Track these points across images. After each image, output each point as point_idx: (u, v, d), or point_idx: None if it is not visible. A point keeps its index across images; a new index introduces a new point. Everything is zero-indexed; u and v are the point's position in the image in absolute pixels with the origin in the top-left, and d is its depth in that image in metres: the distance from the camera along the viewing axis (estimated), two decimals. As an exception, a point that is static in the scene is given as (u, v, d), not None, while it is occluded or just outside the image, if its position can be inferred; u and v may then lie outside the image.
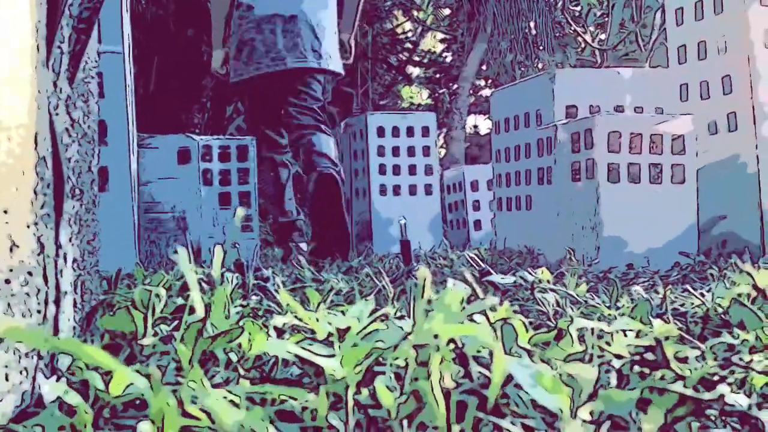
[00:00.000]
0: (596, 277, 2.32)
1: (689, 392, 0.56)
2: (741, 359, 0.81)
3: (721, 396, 0.59)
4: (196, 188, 3.48)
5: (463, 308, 0.61)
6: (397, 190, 4.39)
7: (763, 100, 2.84)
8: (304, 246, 3.78)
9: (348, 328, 0.79)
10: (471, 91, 11.20)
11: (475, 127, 15.47)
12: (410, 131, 4.44)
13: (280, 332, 1.05)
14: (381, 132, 4.39)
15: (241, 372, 0.90)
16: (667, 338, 0.77)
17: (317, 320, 0.85)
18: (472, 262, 1.87)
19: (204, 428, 0.57)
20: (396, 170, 4.40)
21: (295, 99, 3.64)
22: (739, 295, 1.02)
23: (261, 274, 1.95)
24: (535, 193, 3.19)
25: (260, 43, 3.58)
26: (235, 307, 1.36)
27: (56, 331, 0.88)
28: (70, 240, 0.96)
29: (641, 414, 0.60)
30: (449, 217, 5.39)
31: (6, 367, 0.74)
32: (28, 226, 0.80)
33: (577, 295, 1.52)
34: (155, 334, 1.04)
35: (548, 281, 1.58)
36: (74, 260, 0.99)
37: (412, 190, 4.41)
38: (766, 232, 2.81)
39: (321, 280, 2.21)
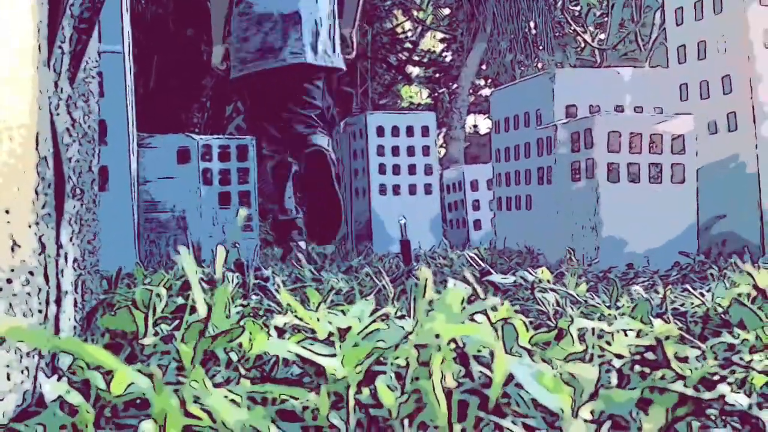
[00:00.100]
0: (596, 276, 2.32)
1: (690, 392, 0.56)
2: (741, 359, 0.81)
3: (722, 396, 0.59)
4: (195, 188, 3.48)
5: (464, 308, 0.61)
6: (396, 189, 4.39)
7: (763, 100, 2.84)
8: (302, 244, 3.78)
9: (349, 328, 0.79)
10: (471, 91, 11.20)
11: (475, 126, 15.47)
12: (410, 131, 4.45)
13: (280, 332, 1.05)
14: (380, 131, 4.39)
15: (242, 371, 0.90)
16: (667, 338, 0.78)
17: (318, 320, 0.85)
18: (472, 261, 1.87)
19: (206, 428, 0.57)
20: (396, 170, 4.40)
21: (293, 105, 3.65)
22: (739, 295, 1.02)
23: (261, 274, 1.95)
24: (535, 193, 3.19)
25: (260, 40, 3.59)
26: (236, 306, 1.36)
27: (57, 330, 0.88)
28: (70, 239, 0.96)
29: (642, 414, 0.60)
30: (449, 216, 5.39)
31: (7, 366, 0.74)
32: (30, 226, 0.80)
33: (577, 294, 1.52)
34: (156, 334, 1.04)
35: (548, 281, 1.58)
36: (75, 260, 0.99)
37: (412, 189, 4.41)
38: (766, 232, 2.81)
39: (321, 280, 2.21)
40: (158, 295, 1.07)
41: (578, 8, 9.88)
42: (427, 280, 0.59)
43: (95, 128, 1.19)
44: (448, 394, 0.54)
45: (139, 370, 0.55)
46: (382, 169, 4.36)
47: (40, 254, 0.82)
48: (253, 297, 1.74)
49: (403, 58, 12.98)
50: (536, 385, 0.54)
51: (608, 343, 0.79)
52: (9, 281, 0.75)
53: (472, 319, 0.77)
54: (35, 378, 0.80)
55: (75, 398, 0.68)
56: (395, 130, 4.41)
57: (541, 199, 3.14)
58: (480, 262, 1.89)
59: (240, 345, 0.91)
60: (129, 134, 2.64)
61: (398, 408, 0.63)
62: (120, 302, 1.16)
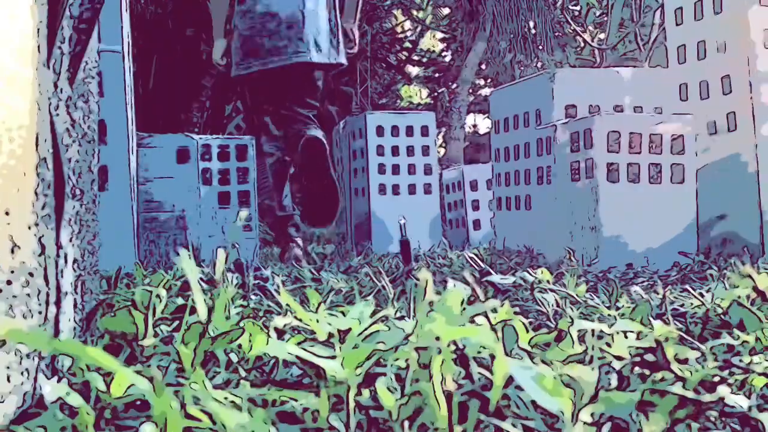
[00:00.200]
0: (596, 277, 2.32)
1: (690, 394, 0.56)
2: (741, 360, 0.81)
3: (721, 398, 0.59)
4: (195, 187, 3.48)
5: (464, 309, 0.61)
6: (396, 189, 4.39)
7: (763, 100, 2.84)
8: (300, 241, 3.80)
9: (348, 330, 0.79)
10: (470, 91, 11.20)
11: (475, 126, 15.47)
12: (409, 130, 4.44)
13: (280, 333, 1.05)
14: (380, 131, 4.39)
15: (242, 373, 0.90)
16: (667, 340, 0.78)
17: (318, 321, 0.85)
18: (471, 262, 1.87)
19: (206, 429, 0.57)
20: (395, 170, 4.40)
21: (293, 103, 3.68)
22: (739, 296, 1.02)
23: (261, 274, 1.95)
24: (535, 193, 3.19)
25: (262, 37, 3.60)
26: (236, 307, 1.36)
27: (57, 331, 0.88)
28: (70, 240, 0.96)
29: (642, 416, 0.60)
30: (448, 216, 5.40)
31: (7, 368, 0.74)
32: (29, 227, 0.80)
33: (577, 295, 1.52)
34: (156, 335, 1.04)
35: (548, 281, 1.58)
36: (74, 260, 0.99)
37: (412, 189, 4.41)
38: (766, 232, 2.81)
39: (320, 280, 2.21)
40: (158, 296, 1.07)
41: (578, 8, 9.88)
42: (427, 282, 0.59)
43: (95, 128, 1.19)
44: (449, 396, 0.54)
45: (139, 372, 0.55)
46: (381, 169, 4.36)
47: (39, 255, 0.82)
48: (253, 297, 1.74)
49: (403, 57, 12.98)
50: (536, 388, 0.54)
51: (608, 345, 0.79)
52: (9, 282, 0.75)
53: (472, 321, 0.77)
54: (35, 379, 0.80)
55: (75, 400, 0.68)
56: (395, 130, 4.41)
57: (540, 199, 3.14)
58: (479, 262, 1.89)
59: (240, 346, 0.91)
60: (128, 134, 2.64)
61: (398, 410, 0.63)
62: (119, 303, 1.16)
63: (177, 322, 1.15)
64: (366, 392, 0.70)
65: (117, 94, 2.60)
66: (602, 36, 9.27)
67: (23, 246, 0.78)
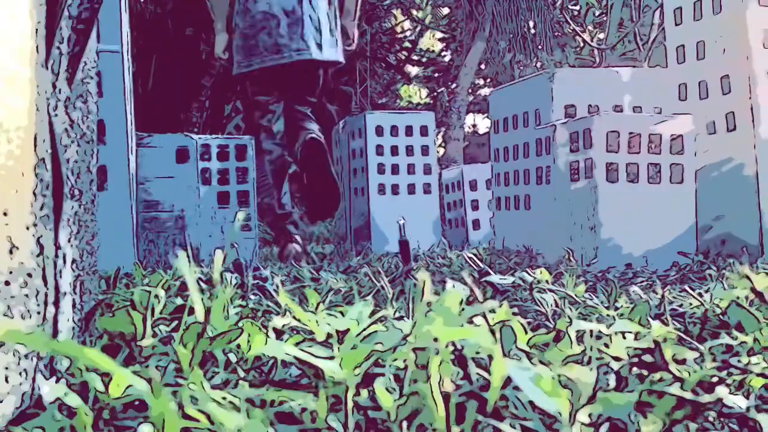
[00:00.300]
0: (595, 277, 2.32)
1: (688, 395, 0.57)
2: (739, 361, 0.81)
3: (720, 398, 0.59)
4: (194, 187, 3.48)
5: (463, 309, 0.61)
6: (395, 189, 4.39)
7: (762, 100, 2.84)
8: (299, 239, 3.81)
9: (347, 330, 0.79)
10: (470, 90, 11.20)
11: (474, 126, 15.47)
12: (409, 130, 4.45)
13: (279, 333, 1.05)
14: (380, 131, 4.39)
15: (241, 373, 0.90)
16: (665, 340, 0.78)
17: (316, 322, 0.85)
18: (470, 262, 1.87)
19: (204, 430, 0.57)
20: (394, 169, 4.40)
21: (293, 100, 3.73)
22: (737, 297, 1.02)
23: (260, 274, 1.95)
24: (534, 193, 3.19)
25: (263, 35, 3.64)
26: (235, 307, 1.36)
27: (55, 332, 0.88)
28: (69, 241, 0.96)
29: (640, 417, 0.60)
30: (448, 216, 5.40)
31: (6, 368, 0.74)
32: (28, 228, 0.80)
33: (576, 295, 1.52)
34: (154, 335, 1.04)
35: (547, 281, 1.59)
36: (73, 261, 0.99)
37: (411, 189, 4.41)
38: (765, 232, 2.81)
39: (320, 280, 2.21)
40: (156, 296, 1.07)
41: (577, 8, 9.89)
42: (425, 283, 0.59)
43: (94, 129, 1.19)
44: (446, 397, 0.54)
45: (138, 373, 0.55)
46: (381, 169, 4.36)
47: (38, 256, 0.82)
48: (252, 297, 1.74)
49: (402, 57, 12.98)
50: (534, 389, 0.54)
51: (606, 346, 0.79)
52: (7, 283, 0.75)
53: (471, 322, 0.77)
54: (34, 380, 0.80)
55: (73, 400, 0.68)
56: (394, 130, 4.41)
57: (540, 199, 3.14)
58: (479, 262, 1.89)
59: (238, 346, 0.91)
60: (128, 134, 2.64)
61: (396, 410, 0.63)
62: (118, 303, 1.16)
63: (176, 323, 1.15)
64: (364, 392, 0.70)
65: (116, 93, 2.60)
66: (601, 36, 9.27)
67: (21, 247, 0.78)
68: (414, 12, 12.82)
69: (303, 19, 3.66)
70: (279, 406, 0.72)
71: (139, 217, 3.28)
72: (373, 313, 0.90)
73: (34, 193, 0.82)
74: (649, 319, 1.11)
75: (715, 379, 0.72)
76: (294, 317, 0.89)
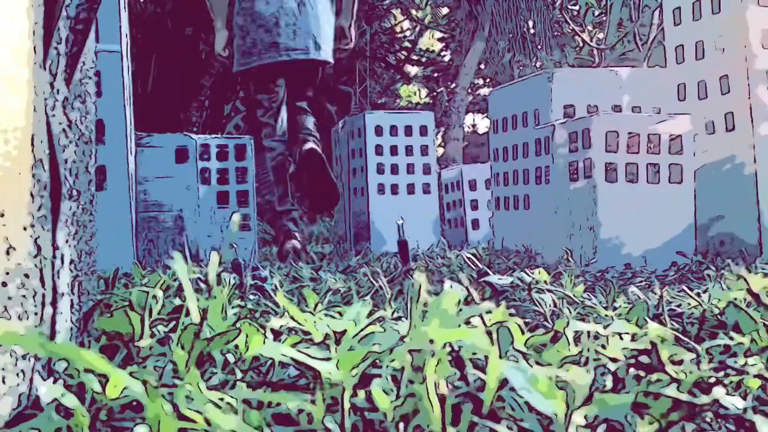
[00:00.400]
0: (594, 277, 2.32)
1: (684, 397, 0.57)
2: (736, 362, 0.81)
3: (715, 400, 0.59)
4: (193, 187, 3.48)
5: (460, 310, 0.61)
6: (395, 189, 4.39)
7: (761, 100, 2.84)
8: (299, 236, 3.83)
9: (344, 331, 0.79)
10: (469, 90, 11.20)
11: (474, 125, 15.48)
12: (408, 130, 4.45)
13: (277, 334, 1.05)
14: (379, 131, 4.39)
15: (238, 374, 0.90)
16: (662, 341, 0.78)
17: (314, 323, 0.85)
18: (469, 262, 1.87)
19: (200, 431, 0.57)
20: (394, 169, 4.40)
21: (292, 97, 3.79)
22: (735, 298, 1.02)
23: (259, 274, 1.95)
24: (533, 193, 3.19)
25: (262, 33, 3.68)
26: (233, 308, 1.36)
27: (53, 332, 0.88)
28: (67, 241, 0.96)
29: (637, 418, 0.60)
30: (447, 216, 5.40)
31: (3, 369, 0.74)
32: (25, 229, 0.80)
33: (574, 295, 1.52)
34: (152, 336, 1.04)
35: (545, 282, 1.59)
36: (71, 261, 0.99)
37: (410, 189, 4.41)
38: (763, 232, 2.81)
39: (319, 280, 2.21)
40: (154, 297, 1.07)
41: (577, 8, 9.89)
42: (421, 285, 0.59)
43: (92, 129, 1.18)
44: (442, 398, 0.54)
45: (135, 374, 0.55)
46: (380, 169, 4.36)
47: (35, 257, 0.82)
48: (251, 297, 1.74)
49: (402, 57, 12.97)
50: (530, 390, 0.54)
51: (603, 346, 0.79)
52: (4, 284, 0.75)
53: (468, 323, 0.77)
54: (31, 381, 0.80)
55: (71, 401, 0.68)
56: (394, 130, 4.41)
57: (539, 199, 3.14)
58: (477, 262, 1.90)
59: (236, 347, 0.91)
60: (127, 134, 2.64)
61: (393, 411, 0.63)
62: (117, 303, 1.16)
63: (174, 323, 1.15)
64: (361, 393, 0.70)
65: (115, 93, 2.60)
66: (601, 36, 9.27)
67: (19, 248, 0.78)
68: (413, 12, 12.82)
69: (302, 18, 3.71)
70: (276, 406, 0.72)
71: (139, 217, 3.28)
72: (371, 314, 0.90)
73: (32, 194, 0.82)
74: (647, 320, 1.11)
75: (712, 380, 0.72)
76: (292, 318, 0.89)
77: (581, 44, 9.45)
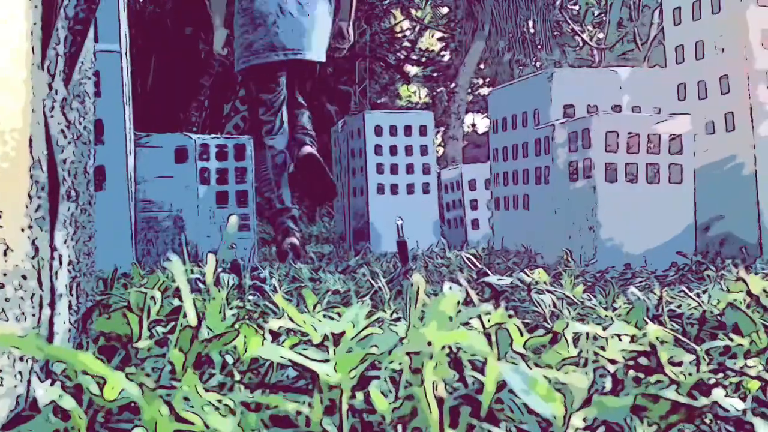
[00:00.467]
0: (593, 277, 2.32)
1: (683, 399, 0.56)
2: (735, 363, 0.81)
3: (715, 402, 0.59)
4: (193, 187, 3.48)
5: (459, 311, 0.61)
6: (394, 189, 4.38)
7: (761, 100, 2.84)
8: (298, 234, 3.84)
9: (343, 333, 0.79)
10: (469, 90, 11.20)
11: (473, 125, 15.48)
12: (408, 130, 4.44)
13: (275, 335, 1.05)
14: (378, 131, 4.39)
15: (237, 375, 0.89)
16: (662, 342, 0.77)
17: (313, 324, 0.84)
18: (469, 262, 1.87)
19: (198, 434, 0.57)
20: (393, 169, 4.39)
21: (293, 94, 3.84)
22: (735, 299, 1.02)
23: (258, 274, 1.95)
24: (533, 193, 3.19)
25: (261, 33, 3.71)
26: (232, 309, 1.36)
27: (51, 334, 0.87)
28: (65, 242, 0.96)
29: (636, 420, 0.60)
30: (447, 216, 5.40)
31: (0, 371, 0.74)
32: (23, 230, 0.80)
33: (574, 296, 1.52)
34: (151, 337, 1.04)
35: (545, 282, 1.58)
36: (70, 262, 0.98)
37: (410, 189, 4.41)
38: (763, 232, 2.81)
39: (318, 280, 2.21)
40: (152, 298, 1.07)
41: (576, 7, 9.88)
42: (419, 287, 0.59)
43: (91, 129, 1.18)
44: (440, 401, 0.54)
45: (132, 376, 0.55)
46: (379, 169, 4.36)
47: (33, 258, 0.82)
48: (250, 297, 1.74)
49: (402, 57, 12.97)
50: (529, 393, 0.54)
51: (602, 348, 0.79)
52: (2, 286, 0.75)
53: (467, 325, 0.77)
54: (29, 382, 0.79)
55: (68, 403, 0.68)
56: (393, 130, 4.41)
57: (538, 199, 3.13)
58: (477, 262, 1.89)
59: (235, 348, 0.90)
60: (126, 133, 2.64)
61: (391, 413, 0.63)
62: (115, 304, 1.16)
63: (172, 324, 1.15)
64: (360, 395, 0.70)
65: (115, 93, 2.59)
66: (601, 35, 9.27)
67: (16, 249, 0.78)
68: (413, 11, 12.82)
69: (302, 17, 3.74)
70: (274, 408, 0.71)
71: (138, 217, 3.28)
72: (370, 315, 0.90)
73: (30, 195, 0.82)
74: (647, 321, 1.11)
75: (711, 382, 0.72)
76: (290, 319, 0.88)
77: (581, 44, 9.45)
